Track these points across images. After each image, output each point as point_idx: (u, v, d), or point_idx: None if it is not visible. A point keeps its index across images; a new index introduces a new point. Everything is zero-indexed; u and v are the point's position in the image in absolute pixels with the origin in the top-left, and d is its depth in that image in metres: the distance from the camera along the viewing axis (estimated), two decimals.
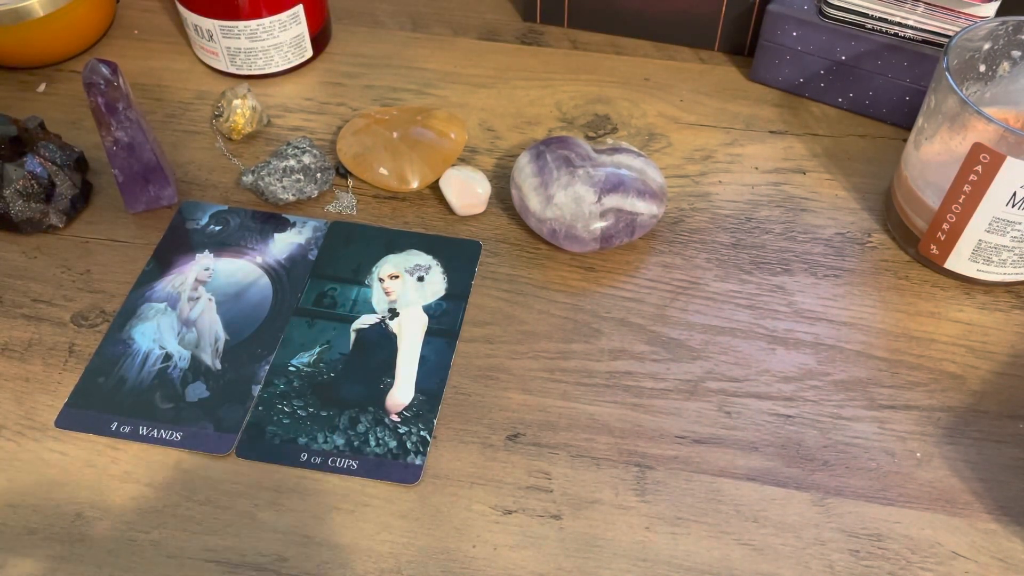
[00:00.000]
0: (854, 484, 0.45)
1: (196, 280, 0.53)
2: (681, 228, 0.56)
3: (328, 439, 0.47)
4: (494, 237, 0.56)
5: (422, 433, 0.47)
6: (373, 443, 0.46)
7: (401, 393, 0.48)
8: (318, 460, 0.46)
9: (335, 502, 0.45)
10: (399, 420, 0.47)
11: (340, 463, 0.46)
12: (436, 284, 0.53)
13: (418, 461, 0.46)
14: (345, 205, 0.57)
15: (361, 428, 0.47)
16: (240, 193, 0.58)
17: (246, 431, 0.47)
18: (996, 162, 0.46)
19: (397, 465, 0.46)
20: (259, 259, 0.54)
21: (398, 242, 0.55)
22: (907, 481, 0.45)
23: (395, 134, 0.58)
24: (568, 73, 0.66)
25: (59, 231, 0.56)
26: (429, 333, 0.51)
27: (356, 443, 0.46)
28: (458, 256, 0.54)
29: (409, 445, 0.46)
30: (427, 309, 0.52)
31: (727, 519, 0.44)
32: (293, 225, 0.56)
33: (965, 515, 0.44)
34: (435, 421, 0.47)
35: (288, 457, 0.46)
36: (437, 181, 0.57)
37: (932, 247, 0.52)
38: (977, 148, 0.47)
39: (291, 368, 0.49)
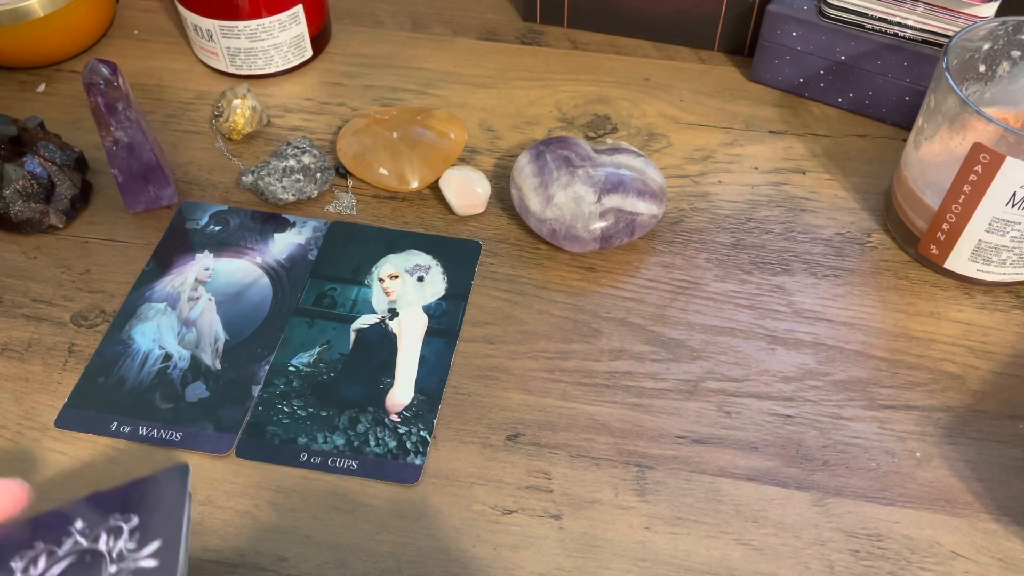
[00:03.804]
0: (854, 484, 0.45)
1: (196, 280, 0.53)
2: (681, 228, 0.56)
3: (328, 439, 0.47)
4: (494, 237, 0.56)
5: (422, 433, 0.47)
6: (373, 443, 0.46)
7: (401, 393, 0.48)
8: (318, 460, 0.46)
9: (335, 502, 0.45)
10: (399, 420, 0.47)
11: (340, 463, 0.46)
12: (436, 284, 0.53)
13: (418, 461, 0.46)
14: (345, 205, 0.57)
15: (361, 428, 0.47)
16: (240, 193, 0.58)
17: (246, 431, 0.47)
18: (996, 162, 0.46)
19: (397, 465, 0.46)
20: (259, 259, 0.54)
21: (398, 242, 0.55)
22: (907, 481, 0.45)
23: (395, 134, 0.58)
24: (568, 73, 0.66)
25: (59, 231, 0.56)
26: (429, 333, 0.51)
27: (356, 443, 0.46)
28: (458, 256, 0.54)
29: (409, 445, 0.46)
30: (427, 309, 0.52)
31: (727, 519, 0.44)
32: (293, 225, 0.56)
33: (965, 515, 0.44)
34: (435, 421, 0.47)
35: (288, 457, 0.46)
36: (437, 181, 0.57)
37: (932, 247, 0.52)
38: (977, 148, 0.47)
39: (291, 368, 0.49)
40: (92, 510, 0.37)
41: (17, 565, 0.35)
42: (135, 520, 0.37)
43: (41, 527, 0.37)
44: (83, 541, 0.36)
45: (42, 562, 0.36)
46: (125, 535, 0.36)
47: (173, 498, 0.36)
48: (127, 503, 0.37)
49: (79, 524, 0.37)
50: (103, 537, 0.36)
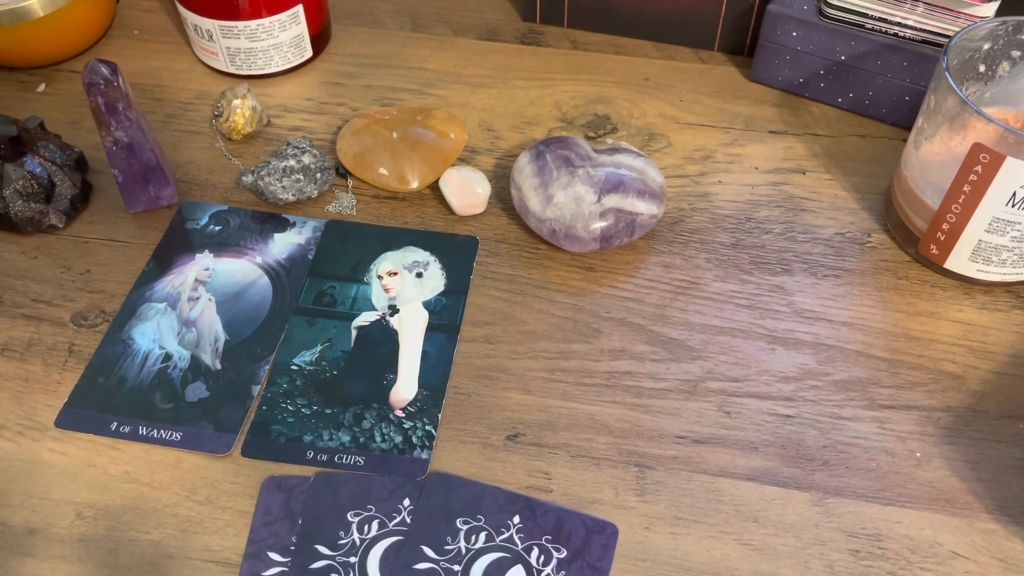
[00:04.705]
0: (854, 484, 0.45)
1: (196, 280, 0.53)
2: (681, 228, 0.56)
3: (334, 436, 0.47)
4: (494, 237, 0.56)
5: (427, 427, 0.47)
6: (379, 439, 0.46)
7: (404, 389, 0.48)
8: (324, 457, 0.46)
9: None
10: (404, 416, 0.47)
11: (347, 459, 0.46)
12: (435, 280, 0.53)
13: (424, 455, 0.46)
14: (345, 205, 0.57)
15: (366, 424, 0.47)
16: (240, 193, 0.58)
17: (251, 430, 0.47)
18: (996, 162, 0.46)
19: (404, 460, 0.46)
20: (259, 259, 0.54)
21: (395, 239, 0.55)
22: (907, 481, 0.45)
23: (395, 134, 0.58)
24: (568, 73, 0.66)
25: (59, 231, 0.56)
26: (430, 328, 0.51)
27: (362, 439, 0.46)
28: (456, 252, 0.54)
29: (415, 440, 0.46)
30: (427, 305, 0.52)
31: (727, 519, 0.44)
32: (293, 225, 0.56)
33: (965, 515, 0.44)
34: (439, 415, 0.47)
35: (294, 455, 0.46)
36: (437, 181, 0.57)
37: (932, 247, 0.52)
38: (977, 148, 0.47)
39: (293, 367, 0.49)
40: (528, 516, 0.43)
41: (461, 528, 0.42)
42: (564, 554, 0.41)
43: (486, 496, 0.43)
44: (518, 542, 0.42)
45: (482, 538, 0.42)
46: (553, 563, 0.41)
47: (601, 563, 0.41)
48: (560, 532, 0.42)
49: (516, 520, 0.42)
50: (535, 552, 0.41)
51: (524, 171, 0.54)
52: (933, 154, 0.51)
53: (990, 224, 0.49)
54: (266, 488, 0.44)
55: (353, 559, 0.42)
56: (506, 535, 0.42)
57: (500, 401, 0.48)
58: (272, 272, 0.54)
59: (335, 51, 0.68)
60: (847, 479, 0.45)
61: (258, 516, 0.43)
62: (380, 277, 0.53)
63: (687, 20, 0.66)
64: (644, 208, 0.52)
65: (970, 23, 0.54)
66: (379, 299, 0.52)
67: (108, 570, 0.42)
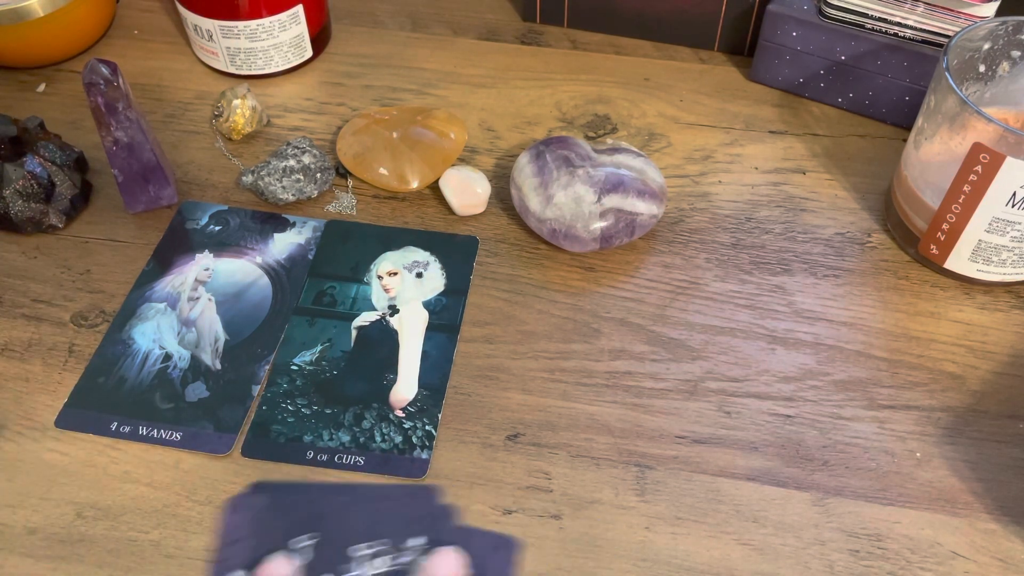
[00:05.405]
0: (854, 484, 0.45)
1: (196, 280, 0.53)
2: (681, 228, 0.56)
3: (334, 436, 0.47)
4: (494, 237, 0.56)
5: (427, 427, 0.47)
6: (379, 439, 0.46)
7: (405, 389, 0.48)
8: (324, 457, 0.46)
9: None
10: (404, 416, 0.47)
11: (347, 459, 0.46)
12: (435, 280, 0.53)
13: (424, 455, 0.46)
14: (345, 205, 0.57)
15: (366, 424, 0.47)
16: (240, 193, 0.58)
17: (251, 431, 0.47)
18: (996, 162, 0.46)
19: (404, 460, 0.46)
20: (259, 259, 0.54)
21: (395, 239, 0.55)
22: (907, 481, 0.45)
23: (395, 134, 0.58)
24: (568, 73, 0.66)
25: (59, 231, 0.56)
26: (430, 328, 0.51)
27: (362, 439, 0.46)
28: (456, 252, 0.54)
29: (415, 440, 0.46)
30: (427, 305, 0.52)
31: (727, 519, 0.44)
32: (293, 225, 0.56)
33: (965, 515, 0.44)
34: (439, 415, 0.47)
35: (294, 455, 0.46)
36: (437, 181, 0.57)
37: (932, 247, 0.52)
38: (977, 148, 0.47)
39: (293, 367, 0.49)
40: (434, 537, 0.43)
41: (357, 554, 0.41)
42: (468, 572, 0.42)
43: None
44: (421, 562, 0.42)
45: (379, 562, 0.41)
46: None
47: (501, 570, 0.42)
48: (464, 552, 0.42)
49: (422, 540, 0.42)
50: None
51: (524, 171, 0.54)
52: (933, 154, 0.51)
53: (990, 224, 0.49)
54: (229, 509, 0.44)
55: None
56: (408, 558, 0.42)
57: (500, 401, 0.48)
58: (272, 272, 0.54)
59: (335, 51, 0.68)
60: (847, 479, 0.45)
61: (222, 537, 0.43)
62: (380, 277, 0.53)
63: (687, 20, 0.66)
64: (644, 208, 0.52)
65: (970, 23, 0.54)
66: (379, 299, 0.52)
67: (108, 570, 0.42)
